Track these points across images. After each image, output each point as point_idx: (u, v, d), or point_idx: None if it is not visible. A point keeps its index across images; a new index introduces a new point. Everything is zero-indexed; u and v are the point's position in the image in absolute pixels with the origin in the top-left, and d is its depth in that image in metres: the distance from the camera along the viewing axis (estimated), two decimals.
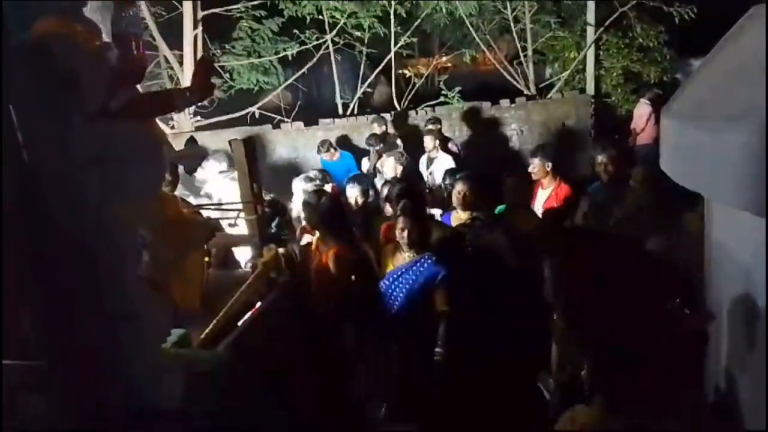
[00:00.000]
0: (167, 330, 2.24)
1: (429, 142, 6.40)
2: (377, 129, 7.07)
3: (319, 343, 3.36)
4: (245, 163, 2.94)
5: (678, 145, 1.30)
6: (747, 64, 1.17)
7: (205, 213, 3.40)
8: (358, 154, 7.23)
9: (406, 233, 3.61)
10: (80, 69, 1.80)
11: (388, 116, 7.92)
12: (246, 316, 2.69)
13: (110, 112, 1.90)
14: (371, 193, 4.83)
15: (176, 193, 4.58)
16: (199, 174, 4.39)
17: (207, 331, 2.51)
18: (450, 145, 6.93)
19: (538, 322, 3.15)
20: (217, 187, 4.12)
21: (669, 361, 2.28)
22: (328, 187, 4.76)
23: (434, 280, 3.61)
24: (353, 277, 3.56)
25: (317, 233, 3.75)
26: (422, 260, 3.66)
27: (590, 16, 8.64)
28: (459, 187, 4.21)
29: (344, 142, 7.90)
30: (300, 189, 4.68)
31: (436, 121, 7.25)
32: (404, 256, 3.72)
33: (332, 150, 6.81)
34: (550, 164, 4.77)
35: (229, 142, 2.97)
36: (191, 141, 3.25)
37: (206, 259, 2.93)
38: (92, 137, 1.87)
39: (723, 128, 1.06)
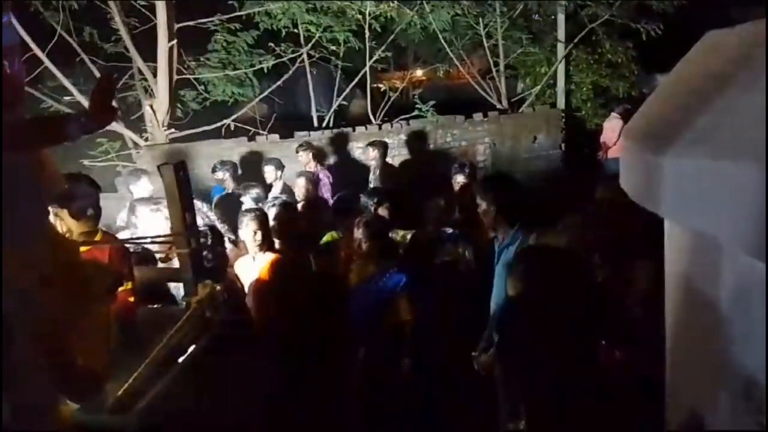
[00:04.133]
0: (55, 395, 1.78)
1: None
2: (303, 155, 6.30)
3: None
4: (176, 191, 2.48)
5: (637, 166, 1.16)
6: (704, 89, 1.06)
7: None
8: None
9: (365, 246, 3.62)
10: None
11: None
12: (174, 367, 2.23)
13: None
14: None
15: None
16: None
17: (123, 388, 2.05)
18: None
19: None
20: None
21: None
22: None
23: (396, 289, 3.47)
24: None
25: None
26: (388, 273, 3.53)
27: (560, 32, 8.36)
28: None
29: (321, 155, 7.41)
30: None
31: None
32: (371, 269, 3.62)
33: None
34: None
35: (158, 167, 2.51)
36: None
37: (131, 298, 2.48)
38: None
39: (683, 152, 0.98)
